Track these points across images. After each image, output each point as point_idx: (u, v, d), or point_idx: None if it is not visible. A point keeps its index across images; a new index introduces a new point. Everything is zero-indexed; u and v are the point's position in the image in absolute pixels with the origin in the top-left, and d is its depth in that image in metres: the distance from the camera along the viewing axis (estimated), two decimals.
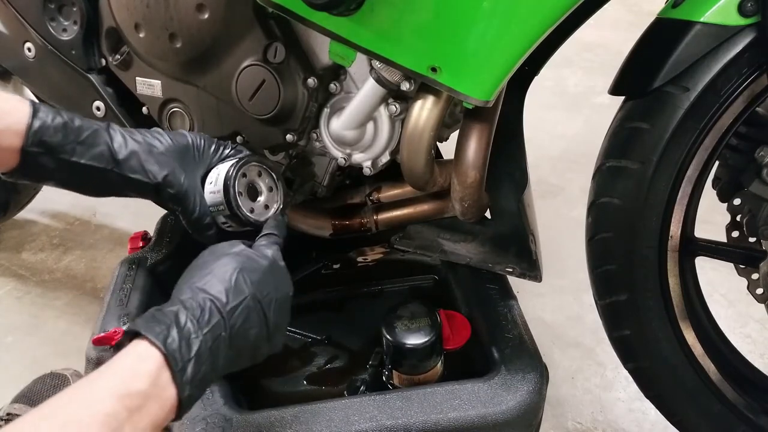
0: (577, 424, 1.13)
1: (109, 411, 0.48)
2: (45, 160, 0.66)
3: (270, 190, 0.78)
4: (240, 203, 0.73)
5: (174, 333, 0.54)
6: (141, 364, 0.52)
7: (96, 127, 0.69)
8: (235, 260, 0.63)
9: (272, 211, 0.78)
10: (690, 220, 0.80)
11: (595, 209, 0.81)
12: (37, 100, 1.01)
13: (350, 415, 0.76)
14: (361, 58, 0.77)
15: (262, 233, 0.72)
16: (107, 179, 0.69)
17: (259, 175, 0.78)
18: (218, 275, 0.61)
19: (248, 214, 0.74)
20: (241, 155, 0.77)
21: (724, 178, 0.88)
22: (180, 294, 0.60)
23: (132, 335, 0.55)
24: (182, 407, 0.54)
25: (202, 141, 0.76)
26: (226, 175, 0.73)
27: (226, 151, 0.77)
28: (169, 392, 0.53)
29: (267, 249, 0.68)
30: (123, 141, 0.70)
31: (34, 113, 0.65)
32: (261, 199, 0.77)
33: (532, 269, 0.91)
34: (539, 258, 0.91)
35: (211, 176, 0.74)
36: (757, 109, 0.77)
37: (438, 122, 0.78)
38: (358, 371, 0.91)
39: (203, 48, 0.83)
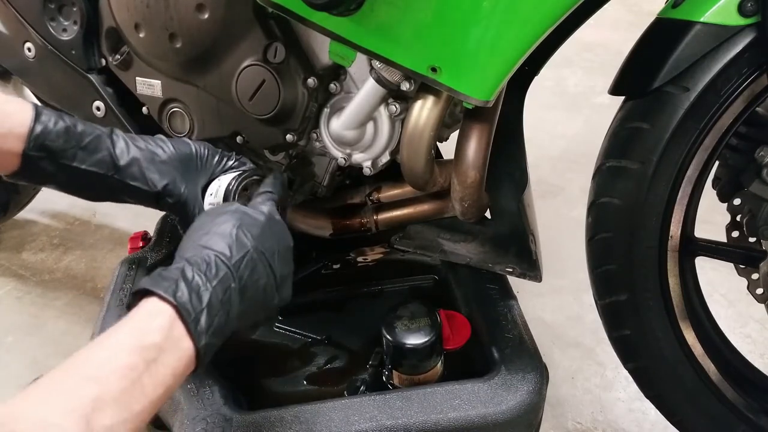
0: (577, 424, 1.13)
1: (126, 363, 0.49)
2: (46, 164, 0.66)
3: None
4: None
5: (183, 286, 0.55)
6: (153, 319, 0.53)
7: (98, 132, 0.69)
8: (233, 217, 0.63)
9: None
10: (690, 220, 0.80)
11: (595, 209, 0.81)
12: (38, 102, 1.01)
13: (350, 415, 0.76)
14: (361, 58, 0.77)
15: (258, 192, 0.72)
16: (107, 185, 0.70)
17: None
18: (219, 232, 0.61)
19: None
20: (244, 168, 0.77)
21: (724, 178, 0.88)
22: (184, 253, 0.60)
23: (141, 294, 0.55)
24: (201, 357, 0.55)
25: (206, 151, 0.76)
26: (226, 188, 0.73)
27: (230, 163, 0.77)
28: (185, 343, 0.54)
29: (262, 205, 0.68)
30: (125, 147, 0.70)
31: (37, 117, 0.65)
32: None
33: (532, 269, 0.91)
34: (539, 258, 0.91)
35: (212, 187, 0.74)
36: (757, 109, 0.77)
37: (438, 122, 0.78)
38: (358, 371, 0.91)
39: (203, 48, 0.83)
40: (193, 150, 0.75)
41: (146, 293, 0.55)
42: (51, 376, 0.48)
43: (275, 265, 0.64)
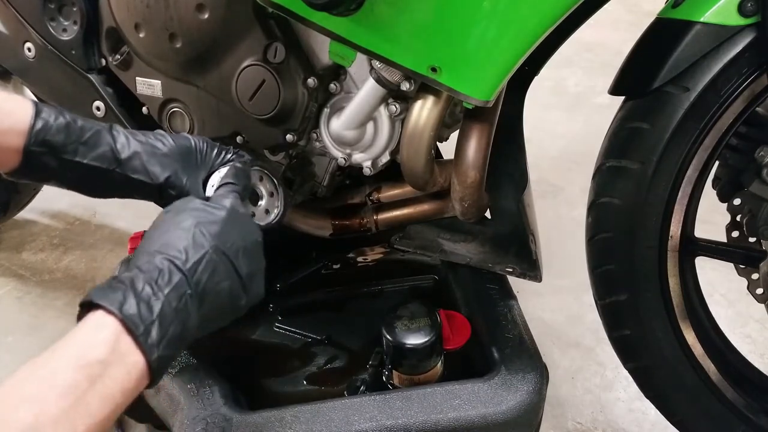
0: (577, 424, 1.13)
1: (68, 382, 0.47)
2: (47, 159, 0.66)
3: (271, 195, 0.78)
4: None
5: (131, 298, 0.52)
6: (98, 333, 0.50)
7: (98, 127, 0.69)
8: (191, 215, 0.60)
9: (272, 216, 0.78)
10: (690, 220, 0.80)
11: (595, 209, 0.81)
12: (38, 102, 1.00)
13: (350, 415, 0.76)
14: (361, 58, 0.77)
15: (219, 184, 0.70)
16: (109, 179, 0.69)
17: (261, 179, 0.78)
18: (174, 234, 0.58)
19: None
20: (243, 159, 0.77)
21: (724, 178, 0.88)
22: (136, 261, 0.57)
23: (88, 306, 0.53)
24: (154, 370, 0.52)
25: (205, 144, 0.75)
26: (229, 178, 0.73)
27: (228, 156, 0.77)
28: (133, 357, 0.51)
29: (224, 199, 0.65)
30: (126, 141, 0.70)
31: (37, 113, 0.65)
32: (262, 203, 0.77)
33: (532, 269, 0.91)
34: (539, 258, 0.91)
35: (213, 179, 0.74)
36: (757, 109, 0.77)
37: (438, 122, 0.78)
38: (358, 371, 0.91)
39: (203, 48, 0.83)
40: (193, 144, 0.74)
41: (92, 306, 0.52)
42: None
43: (240, 264, 0.60)
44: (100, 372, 0.48)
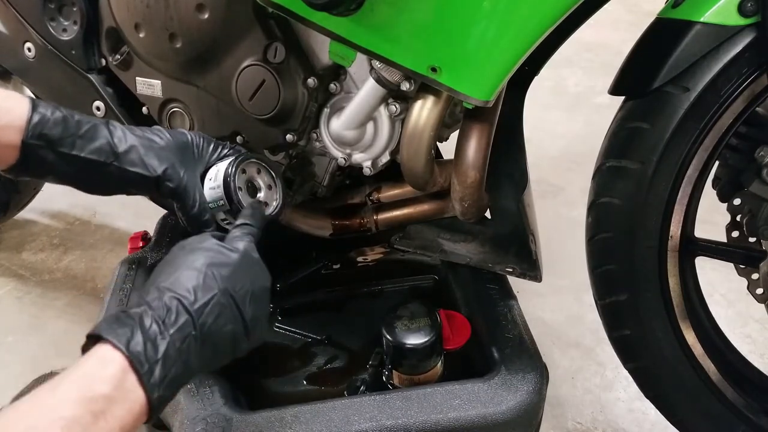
0: (577, 424, 1.13)
1: (71, 415, 0.47)
2: (45, 153, 0.66)
3: (269, 187, 0.78)
4: (240, 198, 0.73)
5: (138, 335, 0.53)
6: (104, 368, 0.51)
7: (95, 122, 0.69)
8: (204, 255, 0.60)
9: (271, 208, 0.78)
10: (690, 220, 0.80)
11: (595, 209, 0.81)
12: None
13: (350, 415, 0.76)
14: (361, 58, 0.77)
15: (236, 224, 0.69)
16: (107, 173, 0.69)
17: (258, 172, 0.78)
18: (186, 273, 0.58)
19: None
20: (239, 154, 0.77)
21: (724, 178, 0.88)
22: (146, 295, 0.58)
23: (95, 339, 0.53)
24: (153, 409, 0.52)
25: (201, 139, 0.76)
26: (225, 170, 0.73)
27: (225, 151, 0.77)
28: (136, 395, 0.51)
29: (239, 241, 0.65)
30: (123, 135, 0.69)
31: (34, 107, 0.65)
32: (260, 195, 0.77)
33: (532, 269, 0.91)
34: (539, 258, 0.91)
35: (211, 173, 0.75)
36: (757, 109, 0.77)
37: (438, 122, 0.78)
38: (358, 371, 0.91)
39: (203, 48, 0.83)
40: (189, 138, 0.74)
41: (99, 338, 0.52)
42: None
43: (246, 309, 0.60)
44: (104, 408, 0.49)
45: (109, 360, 0.51)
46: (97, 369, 0.51)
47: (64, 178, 0.69)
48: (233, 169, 0.73)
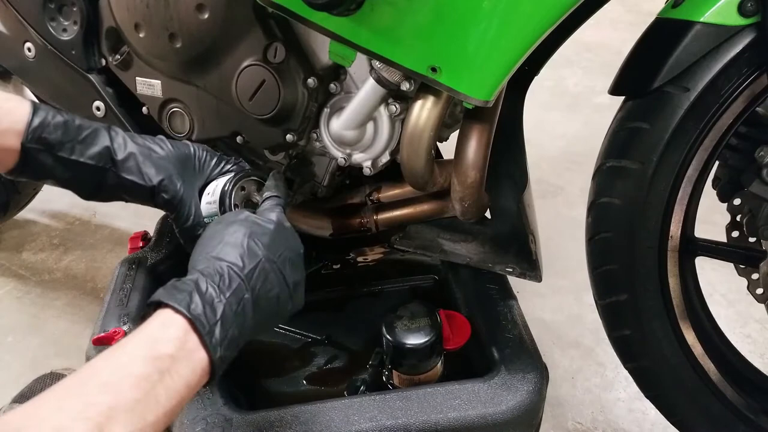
0: (577, 424, 1.13)
1: (140, 372, 0.49)
2: (44, 157, 0.66)
3: None
4: None
5: (197, 298, 0.55)
6: (166, 330, 0.53)
7: (96, 126, 0.69)
8: (243, 226, 0.63)
9: None
10: (690, 220, 0.80)
11: (595, 209, 0.81)
12: (37, 101, 1.00)
13: (350, 415, 0.76)
14: (361, 58, 0.77)
15: (264, 197, 0.72)
16: (104, 179, 0.70)
17: (257, 190, 0.78)
18: (230, 242, 0.61)
19: None
20: (242, 170, 0.77)
21: (724, 178, 0.88)
22: (196, 264, 0.60)
23: (155, 306, 0.55)
24: (215, 369, 0.55)
25: (205, 153, 0.76)
26: (223, 187, 0.73)
27: (228, 166, 0.77)
28: (199, 355, 0.54)
29: (271, 213, 0.68)
30: (123, 143, 0.70)
31: (35, 111, 0.66)
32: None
33: (532, 269, 0.91)
34: (539, 258, 0.91)
35: (209, 188, 0.75)
36: (757, 109, 0.77)
37: (438, 122, 0.78)
38: (358, 371, 0.91)
39: (203, 48, 0.83)
40: (192, 151, 0.75)
41: (160, 305, 0.55)
42: (65, 383, 0.48)
43: (287, 273, 0.63)
44: (169, 366, 0.51)
45: (170, 322, 0.54)
46: (160, 331, 0.53)
47: (62, 181, 0.70)
48: (230, 186, 0.73)
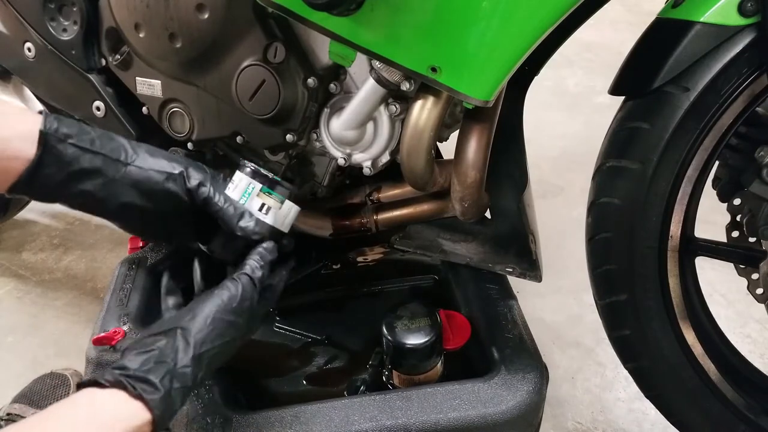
0: (577, 424, 1.13)
1: None
2: (63, 147, 0.64)
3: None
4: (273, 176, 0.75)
5: (163, 397, 0.58)
6: (132, 421, 0.56)
7: (107, 132, 0.69)
8: (214, 303, 0.66)
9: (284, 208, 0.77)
10: (690, 220, 0.80)
11: (595, 209, 0.81)
12: (37, 101, 1.00)
13: (350, 415, 0.76)
14: (361, 58, 0.77)
15: (247, 258, 0.72)
16: (127, 176, 0.67)
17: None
18: (198, 321, 0.64)
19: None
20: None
21: (724, 178, 0.88)
22: (165, 336, 0.62)
23: (117, 383, 0.57)
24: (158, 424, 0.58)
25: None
26: (245, 167, 0.75)
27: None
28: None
29: (242, 275, 0.69)
30: (137, 144, 0.70)
31: (47, 115, 0.65)
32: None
33: (532, 269, 0.91)
34: (539, 258, 0.91)
35: (231, 185, 0.74)
36: (757, 109, 0.77)
37: (438, 122, 0.78)
38: (358, 371, 0.91)
39: (203, 48, 0.83)
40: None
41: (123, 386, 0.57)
42: None
43: (247, 326, 0.69)
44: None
45: (141, 417, 0.57)
46: (128, 422, 0.56)
47: (81, 192, 0.66)
48: (254, 166, 0.75)
